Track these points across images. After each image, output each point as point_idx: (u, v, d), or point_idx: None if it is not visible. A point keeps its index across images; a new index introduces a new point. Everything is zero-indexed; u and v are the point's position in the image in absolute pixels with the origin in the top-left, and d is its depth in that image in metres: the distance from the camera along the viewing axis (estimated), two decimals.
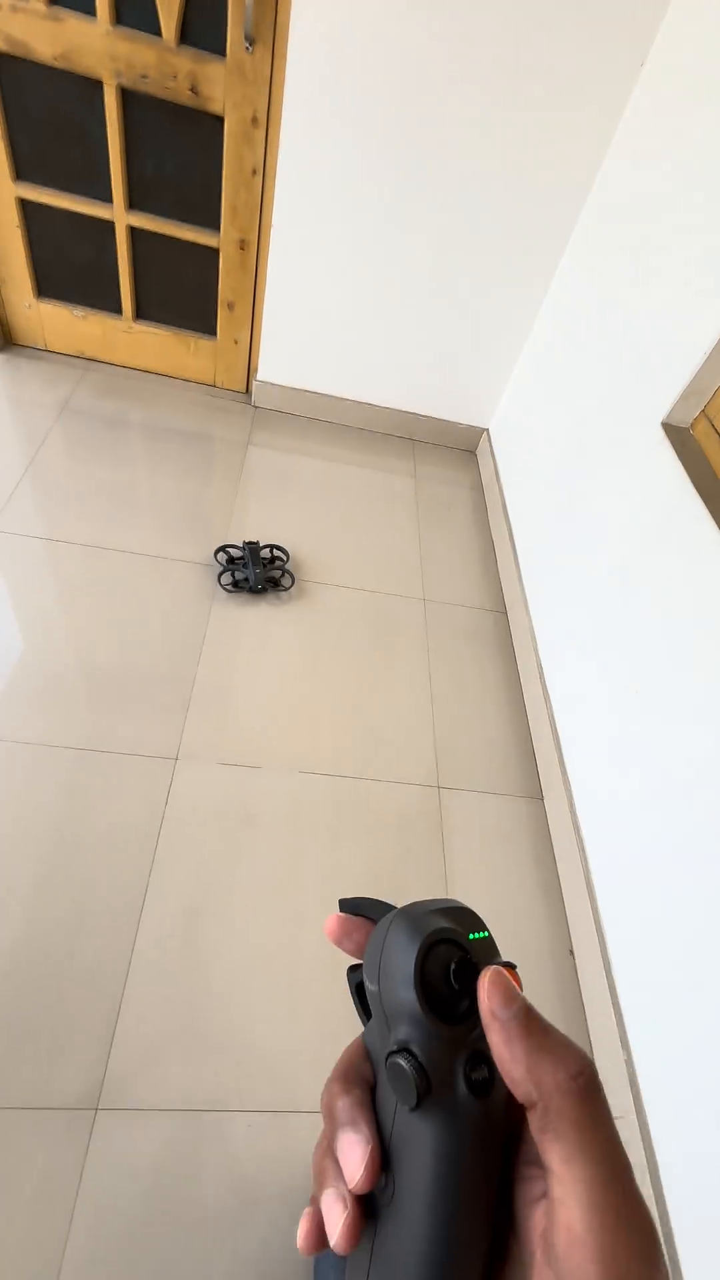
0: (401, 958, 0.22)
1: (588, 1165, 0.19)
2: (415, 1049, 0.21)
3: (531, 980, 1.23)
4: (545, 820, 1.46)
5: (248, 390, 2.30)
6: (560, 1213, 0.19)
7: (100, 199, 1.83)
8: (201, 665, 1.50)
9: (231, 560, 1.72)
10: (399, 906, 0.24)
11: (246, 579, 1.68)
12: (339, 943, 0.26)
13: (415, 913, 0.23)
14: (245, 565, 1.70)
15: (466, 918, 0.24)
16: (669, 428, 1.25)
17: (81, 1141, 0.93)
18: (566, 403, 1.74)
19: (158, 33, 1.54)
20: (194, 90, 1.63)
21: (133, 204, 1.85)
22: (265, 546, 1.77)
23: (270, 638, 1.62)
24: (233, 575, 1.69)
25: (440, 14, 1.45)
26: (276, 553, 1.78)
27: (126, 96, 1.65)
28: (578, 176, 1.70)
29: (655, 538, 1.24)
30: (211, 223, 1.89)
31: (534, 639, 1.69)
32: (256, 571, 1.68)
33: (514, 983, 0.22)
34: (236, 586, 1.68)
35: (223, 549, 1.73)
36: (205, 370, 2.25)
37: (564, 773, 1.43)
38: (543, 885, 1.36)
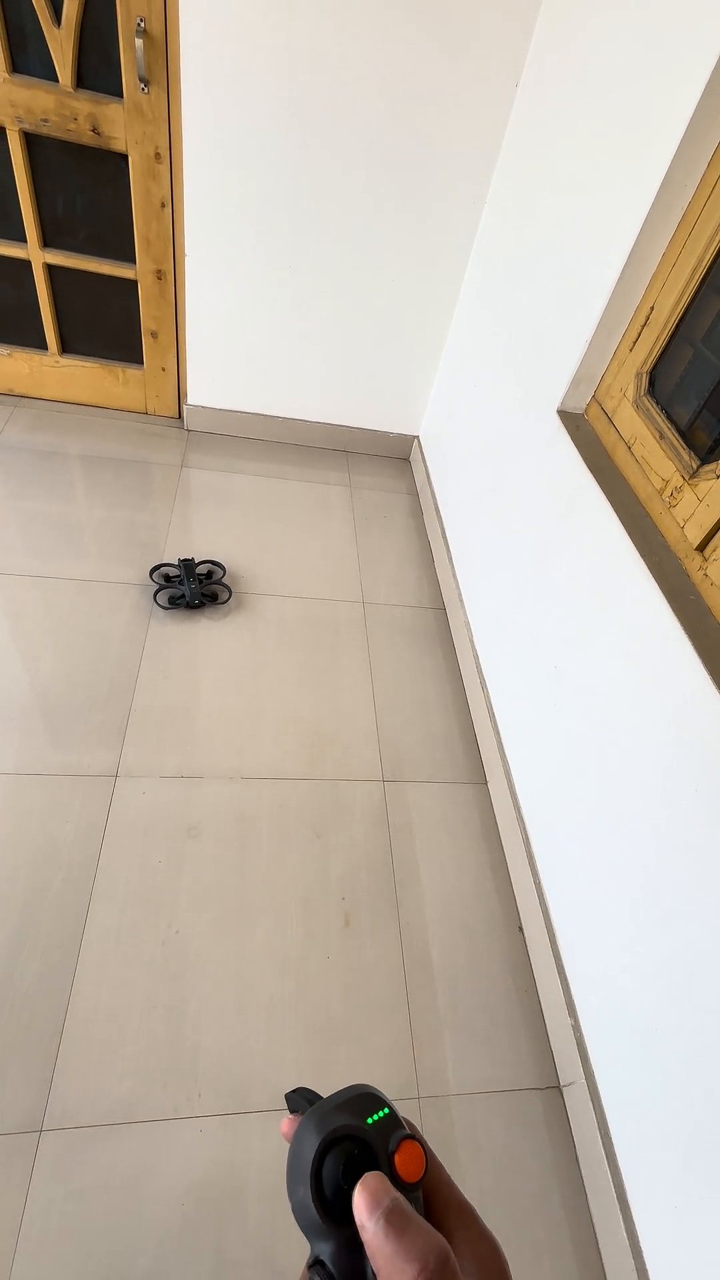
0: (301, 1170, 0.25)
1: None
2: (326, 1261, 0.24)
3: (484, 958, 1.24)
4: (490, 803, 1.48)
5: (179, 415, 2.34)
6: None
7: (15, 239, 1.87)
8: (140, 683, 1.51)
9: (168, 579, 1.74)
10: (314, 1104, 0.27)
11: (183, 595, 1.70)
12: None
13: (317, 1115, 0.26)
14: (182, 582, 1.72)
15: (365, 1104, 0.27)
16: (564, 414, 1.32)
17: (25, 1166, 0.91)
18: (482, 403, 1.81)
19: (54, 79, 1.60)
20: (96, 131, 1.69)
21: (47, 242, 1.89)
22: (201, 562, 1.79)
23: (209, 651, 1.64)
24: (169, 593, 1.71)
25: (324, 50, 1.54)
26: (213, 567, 1.81)
27: (30, 140, 1.70)
28: (470, 190, 1.79)
29: (560, 520, 1.29)
30: (127, 255, 1.94)
31: (469, 630, 1.73)
32: (193, 587, 1.70)
33: (386, 1186, 0.24)
34: (174, 604, 1.70)
35: (158, 568, 1.75)
36: (136, 399, 2.28)
37: (503, 756, 1.46)
38: (491, 866, 1.38)
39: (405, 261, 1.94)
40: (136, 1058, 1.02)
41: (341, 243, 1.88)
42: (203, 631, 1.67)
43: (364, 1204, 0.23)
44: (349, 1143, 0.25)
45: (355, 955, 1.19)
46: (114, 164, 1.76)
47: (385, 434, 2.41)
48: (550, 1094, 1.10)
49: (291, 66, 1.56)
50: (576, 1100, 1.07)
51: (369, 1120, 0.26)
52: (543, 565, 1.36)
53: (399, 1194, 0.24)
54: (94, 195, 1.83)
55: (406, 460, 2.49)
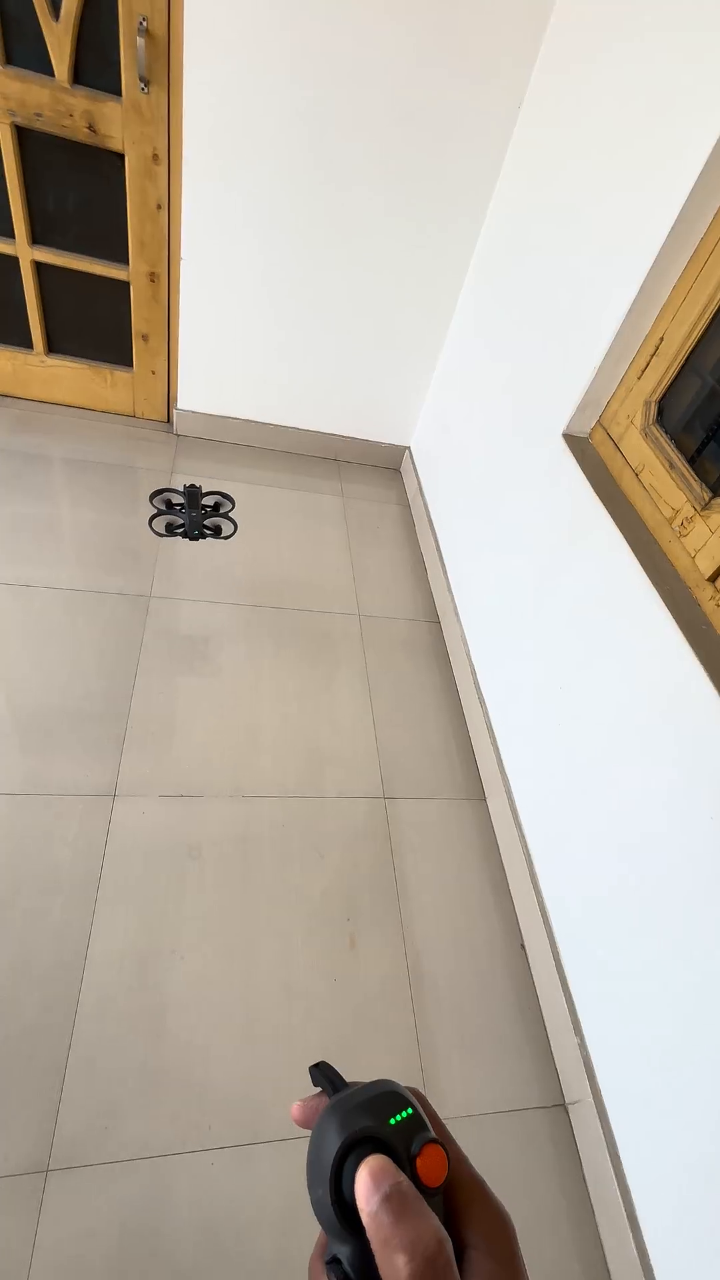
0: (322, 1170, 0.24)
1: None
2: (344, 1261, 0.24)
3: (488, 977, 1.25)
4: (490, 819, 1.49)
5: (169, 420, 2.29)
6: None
7: (3, 235, 1.81)
8: (136, 698, 1.48)
9: (169, 505, 1.65)
10: (338, 1093, 0.27)
11: (182, 525, 1.62)
12: (308, 1126, 0.28)
13: (339, 1112, 0.26)
14: (183, 510, 1.62)
15: (389, 1102, 0.26)
16: (569, 438, 1.34)
17: (32, 1208, 0.88)
18: (479, 418, 1.82)
19: (50, 73, 1.55)
20: (91, 129, 1.64)
21: (37, 239, 1.83)
22: (209, 492, 1.69)
23: (206, 664, 1.61)
24: (167, 520, 1.62)
25: (331, 62, 1.53)
26: (220, 499, 1.71)
27: (22, 134, 1.64)
28: (471, 204, 1.80)
29: (565, 542, 1.31)
30: (120, 256, 1.90)
31: (466, 645, 1.74)
32: (193, 516, 1.61)
33: (390, 1169, 0.23)
34: (170, 532, 1.62)
35: (160, 493, 1.64)
36: (124, 402, 2.23)
37: (502, 772, 1.47)
38: (492, 883, 1.39)
39: (402, 273, 1.93)
40: (143, 1090, 1.00)
41: (340, 252, 1.87)
42: (199, 641, 1.64)
43: (364, 1186, 0.23)
44: (370, 1144, 0.25)
45: (361, 978, 1.19)
46: (109, 163, 1.72)
47: (377, 444, 2.40)
48: (556, 1112, 1.12)
49: (298, 76, 1.55)
50: (583, 1118, 1.08)
51: (391, 1121, 0.25)
52: (546, 587, 1.37)
53: (404, 1178, 0.23)
54: (87, 194, 1.78)
55: (397, 470, 2.49)
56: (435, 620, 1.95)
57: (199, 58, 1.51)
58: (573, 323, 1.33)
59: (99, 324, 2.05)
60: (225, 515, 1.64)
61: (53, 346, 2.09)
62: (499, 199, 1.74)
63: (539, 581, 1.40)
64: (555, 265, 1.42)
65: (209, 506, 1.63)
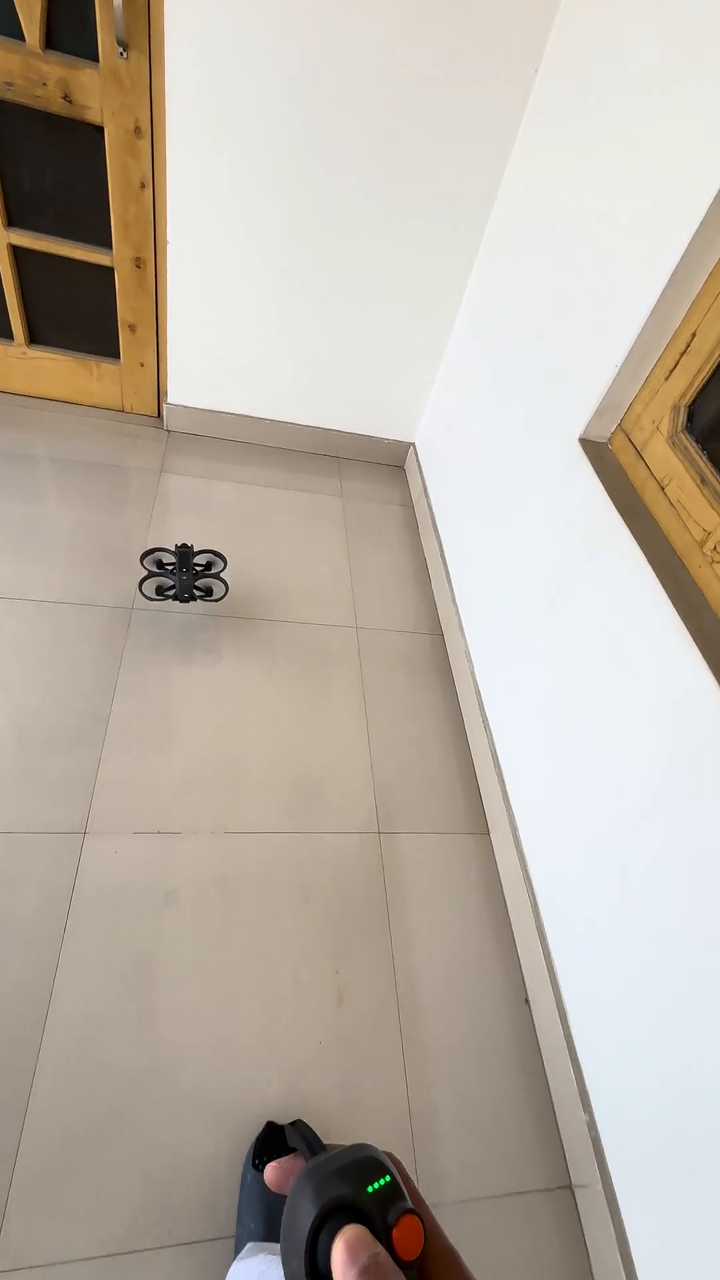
0: (298, 1241, 0.24)
1: None
2: None
3: (488, 1038, 1.15)
4: (493, 857, 1.38)
5: (159, 414, 2.17)
6: None
7: None
8: (113, 723, 1.37)
9: (161, 566, 1.57)
10: (315, 1156, 0.26)
11: (173, 586, 1.54)
12: (283, 1190, 0.27)
13: (315, 1179, 0.25)
14: (174, 571, 1.55)
15: (367, 1168, 0.25)
16: (586, 443, 1.21)
17: None
18: (487, 416, 1.68)
19: (20, 37, 1.41)
20: (67, 98, 1.50)
21: (12, 221, 1.71)
22: (200, 551, 1.62)
23: (191, 684, 1.50)
24: (157, 583, 1.55)
25: (330, 25, 1.38)
26: (213, 557, 1.64)
27: None
28: (481, 186, 1.65)
29: (580, 558, 1.18)
30: (103, 240, 1.76)
31: (470, 663, 1.62)
32: (184, 578, 1.53)
33: (367, 1240, 0.23)
34: (161, 595, 1.54)
35: (151, 553, 1.57)
36: (111, 395, 2.11)
37: (508, 806, 1.36)
38: (495, 929, 1.28)
39: (405, 256, 1.79)
40: (106, 1184, 0.90)
41: (339, 233, 1.73)
42: (184, 661, 1.53)
43: (340, 1259, 0.23)
44: (347, 1213, 0.24)
45: (349, 1040, 1.09)
46: (89, 137, 1.58)
47: (379, 440, 2.27)
48: (561, 1195, 1.02)
49: (292, 39, 1.40)
50: (591, 1205, 0.98)
51: (369, 1189, 0.25)
52: (559, 605, 1.25)
53: (380, 1249, 0.23)
54: (65, 172, 1.65)
55: (400, 468, 2.36)
56: (438, 632, 1.83)
57: (182, 18, 1.37)
58: (593, 310, 1.20)
59: (83, 313, 1.92)
60: (217, 575, 1.60)
61: (34, 337, 1.97)
62: (512, 171, 1.59)
63: (550, 600, 1.28)
64: (573, 244, 1.28)
65: (200, 566, 1.59)
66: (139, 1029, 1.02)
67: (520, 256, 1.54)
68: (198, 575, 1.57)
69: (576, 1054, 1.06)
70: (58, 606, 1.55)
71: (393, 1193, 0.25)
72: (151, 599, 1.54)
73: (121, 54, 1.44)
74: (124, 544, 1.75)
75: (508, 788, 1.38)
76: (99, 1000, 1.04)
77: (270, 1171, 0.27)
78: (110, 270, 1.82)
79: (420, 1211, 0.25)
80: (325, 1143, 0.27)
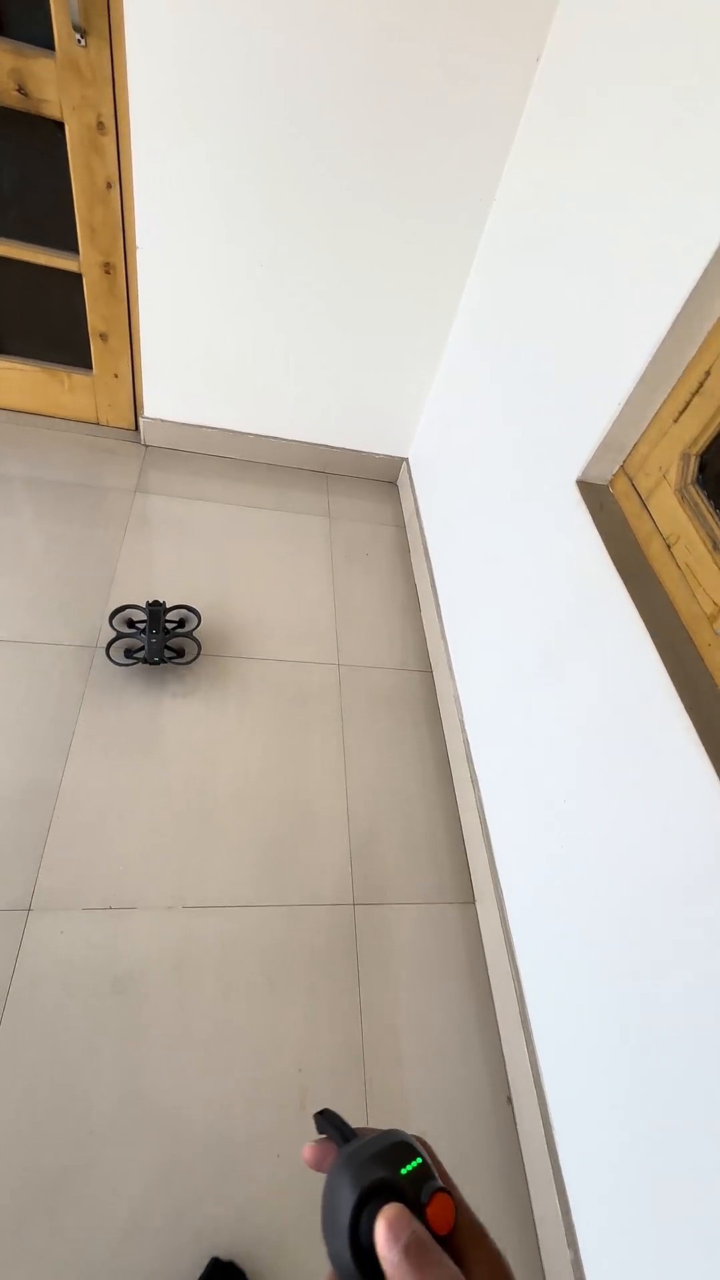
0: (340, 1221, 0.25)
1: None
2: None
3: (469, 1138, 1.04)
4: (479, 929, 1.27)
5: (136, 428, 2.05)
6: None
7: None
8: (66, 779, 1.27)
9: (131, 625, 1.47)
10: (349, 1143, 0.28)
11: (142, 648, 1.44)
12: (320, 1169, 0.28)
13: (354, 1163, 0.26)
14: (144, 632, 1.45)
15: (400, 1152, 0.27)
16: (585, 486, 1.08)
17: None
18: (482, 437, 1.55)
19: None
20: (22, 91, 1.37)
21: None
22: (173, 608, 1.52)
23: (156, 734, 1.39)
24: (125, 645, 1.45)
25: (311, 5, 1.24)
26: (186, 614, 1.54)
27: None
28: (477, 189, 1.50)
29: (576, 619, 1.06)
30: (69, 245, 1.63)
31: (459, 709, 1.50)
32: (154, 641, 1.43)
33: (407, 1218, 0.24)
34: (130, 658, 1.44)
35: (120, 611, 1.48)
36: (85, 408, 1.99)
37: (494, 876, 1.25)
38: (479, 1017, 1.17)
39: (396, 265, 1.65)
40: None
41: (327, 234, 1.59)
42: (148, 711, 1.42)
43: (384, 1236, 0.24)
44: (385, 1194, 0.25)
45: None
46: (48, 133, 1.45)
47: (371, 455, 2.14)
48: None
49: (275, 27, 1.26)
50: None
51: (403, 1170, 0.26)
52: (553, 666, 1.13)
53: (420, 1226, 0.24)
54: (25, 171, 1.52)
55: (393, 484, 2.22)
56: (427, 669, 1.70)
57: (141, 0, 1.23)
58: (597, 335, 1.06)
59: (51, 321, 1.80)
60: (189, 634, 1.50)
61: (1, 347, 1.84)
62: (509, 179, 1.45)
63: (544, 660, 1.15)
64: (575, 262, 1.14)
65: (173, 623, 1.49)
66: (78, 1146, 0.92)
67: (520, 255, 1.40)
68: (169, 635, 1.47)
69: (560, 1168, 0.96)
70: (12, 645, 1.44)
71: (424, 1173, 0.27)
72: (120, 664, 1.43)
73: (79, 41, 1.31)
74: (96, 569, 1.64)
75: (495, 856, 1.27)
76: (34, 1110, 0.94)
77: (308, 1152, 0.29)
78: (78, 276, 1.69)
79: (450, 1190, 0.27)
80: (355, 1128, 0.29)
